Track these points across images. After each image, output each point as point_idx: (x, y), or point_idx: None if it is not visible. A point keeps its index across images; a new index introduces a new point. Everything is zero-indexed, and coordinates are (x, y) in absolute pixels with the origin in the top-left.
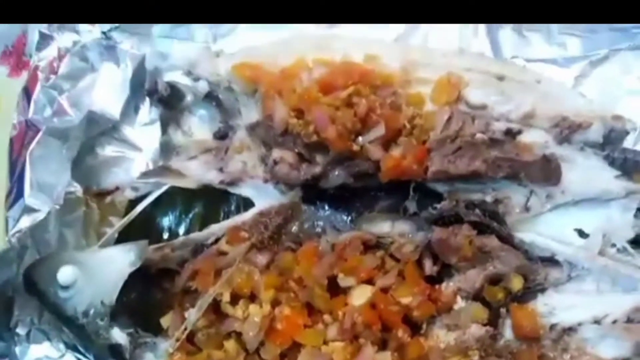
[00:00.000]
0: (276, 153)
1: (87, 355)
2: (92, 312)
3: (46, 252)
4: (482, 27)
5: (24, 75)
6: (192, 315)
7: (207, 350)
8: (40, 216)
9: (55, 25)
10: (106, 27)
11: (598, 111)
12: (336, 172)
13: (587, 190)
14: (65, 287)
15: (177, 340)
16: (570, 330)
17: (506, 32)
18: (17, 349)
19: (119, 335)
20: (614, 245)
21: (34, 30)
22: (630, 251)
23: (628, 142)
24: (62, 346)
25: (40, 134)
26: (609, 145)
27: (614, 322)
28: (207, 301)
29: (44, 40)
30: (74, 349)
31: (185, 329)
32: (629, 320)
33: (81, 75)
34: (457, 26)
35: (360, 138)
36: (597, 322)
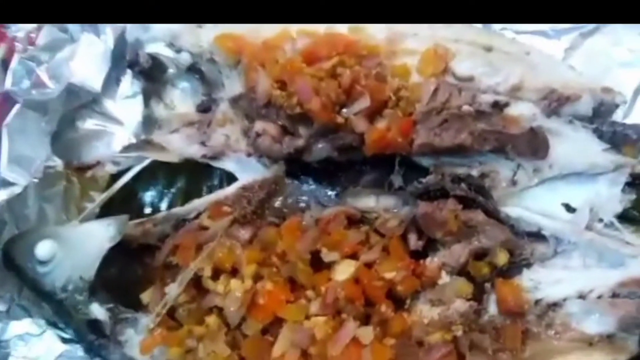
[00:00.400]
0: (258, 125)
1: (67, 331)
2: (70, 287)
3: (25, 227)
4: None
5: (2, 46)
6: (173, 290)
7: (188, 325)
8: (17, 190)
9: None
10: None
11: (587, 84)
12: (320, 145)
13: (575, 164)
14: (44, 262)
15: (158, 315)
16: (555, 305)
17: None
18: None
19: (98, 311)
20: (601, 220)
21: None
22: (618, 226)
23: (617, 115)
24: (42, 322)
25: (17, 106)
26: (598, 118)
27: (599, 297)
28: (187, 276)
29: None
30: (55, 325)
31: (166, 304)
32: (614, 295)
33: (60, 46)
34: None
35: (344, 110)
36: (582, 297)
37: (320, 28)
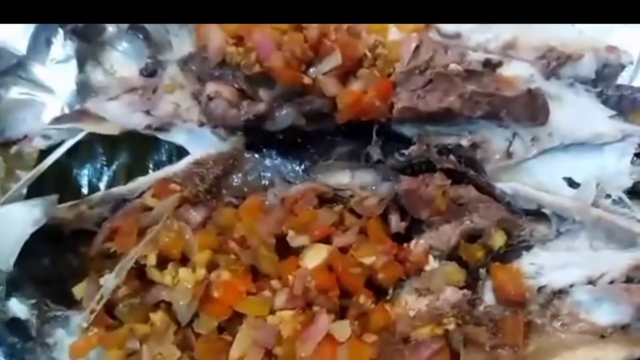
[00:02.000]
0: (211, 87)
1: None
2: None
3: None
4: None
5: None
6: (110, 281)
7: (129, 324)
8: None
9: None
10: None
11: (589, 42)
12: (284, 111)
13: (578, 133)
14: None
15: (92, 312)
16: (560, 292)
17: None
18: None
19: (18, 308)
20: (608, 195)
21: None
22: (627, 202)
23: (623, 78)
24: None
25: None
26: (602, 81)
27: (611, 282)
28: (127, 265)
29: None
30: None
31: (102, 298)
32: (628, 280)
33: None
34: None
35: (312, 69)
36: (591, 282)
37: None
